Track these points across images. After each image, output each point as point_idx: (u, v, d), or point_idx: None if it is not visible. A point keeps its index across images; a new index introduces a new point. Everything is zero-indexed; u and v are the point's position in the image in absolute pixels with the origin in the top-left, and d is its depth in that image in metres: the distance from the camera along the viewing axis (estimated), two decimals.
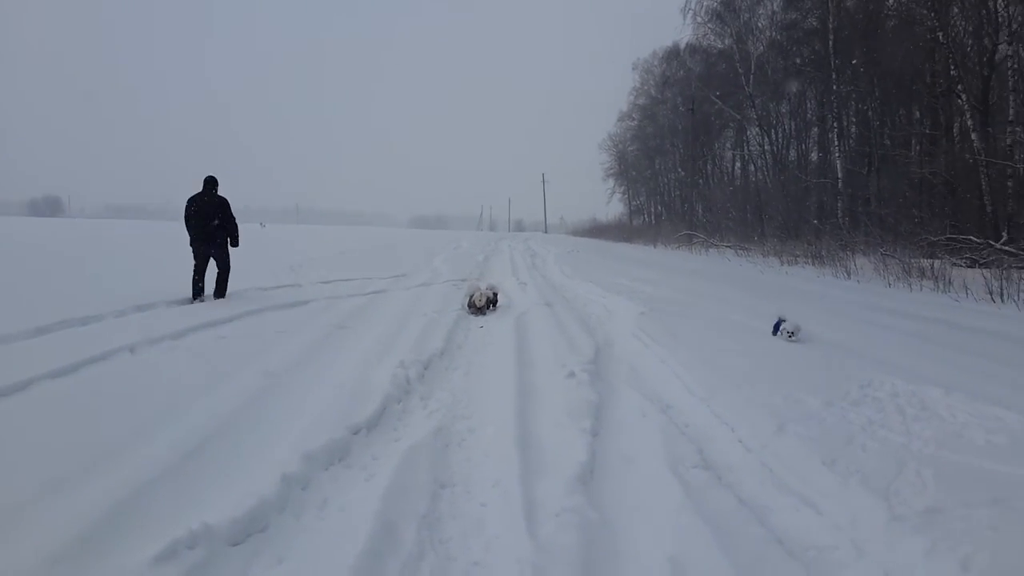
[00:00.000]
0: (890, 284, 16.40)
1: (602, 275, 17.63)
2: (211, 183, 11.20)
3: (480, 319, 10.21)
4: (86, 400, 5.31)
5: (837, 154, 29.88)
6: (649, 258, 29.13)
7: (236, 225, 11.43)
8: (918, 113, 28.19)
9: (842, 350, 7.93)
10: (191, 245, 11.05)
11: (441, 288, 13.84)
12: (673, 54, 49.75)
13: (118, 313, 8.86)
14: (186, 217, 11.05)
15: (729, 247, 32.11)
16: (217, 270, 11.17)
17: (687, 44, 45.08)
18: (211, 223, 11.04)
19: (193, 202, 11.07)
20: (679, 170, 53.69)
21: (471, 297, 10.70)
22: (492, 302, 10.83)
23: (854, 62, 29.05)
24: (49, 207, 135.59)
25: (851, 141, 32.13)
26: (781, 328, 8.65)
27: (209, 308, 9.77)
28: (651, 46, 76.66)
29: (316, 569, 3.25)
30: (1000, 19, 20.33)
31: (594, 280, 16.00)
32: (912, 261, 17.11)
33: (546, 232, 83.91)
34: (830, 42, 28.92)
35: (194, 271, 10.96)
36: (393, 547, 3.43)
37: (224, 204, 11.20)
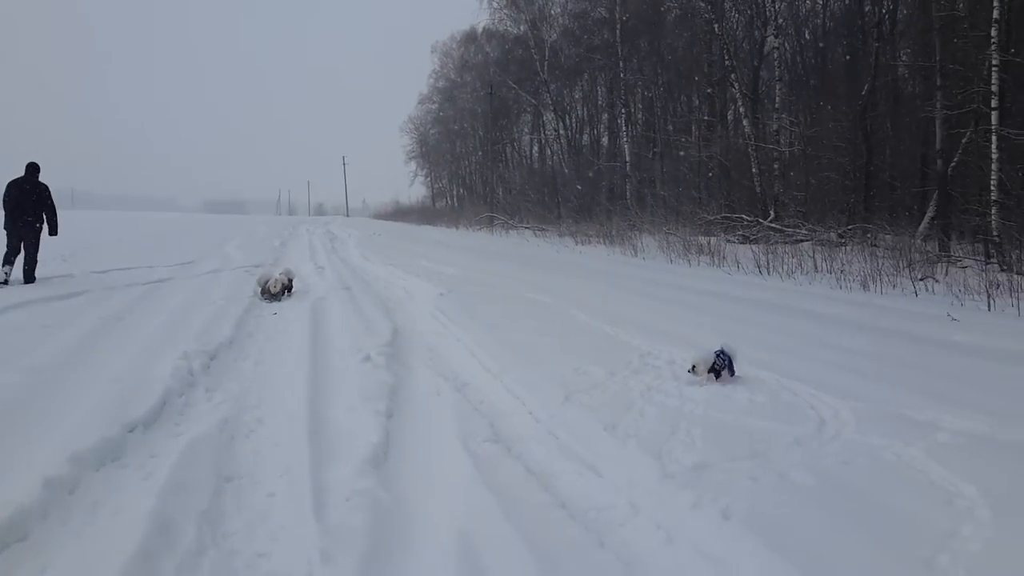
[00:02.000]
0: (672, 260, 17.61)
1: (403, 258, 17.57)
2: (33, 169, 11.21)
3: (274, 305, 9.85)
4: None
5: (625, 139, 31.60)
6: (451, 240, 29.36)
7: (55, 212, 11.41)
8: (697, 100, 30.43)
9: (626, 322, 8.39)
10: (5, 228, 11.04)
11: (232, 275, 13.17)
12: (471, 38, 50.28)
13: None
14: (4, 200, 11.05)
15: (528, 228, 33.07)
16: (25, 254, 10.99)
17: (484, 28, 45.76)
18: (30, 209, 11.06)
19: (14, 186, 11.08)
20: (479, 153, 54.46)
21: (265, 283, 10.30)
22: (287, 287, 10.48)
23: (640, 51, 30.77)
24: None
25: (638, 126, 34.07)
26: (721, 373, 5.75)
27: None
28: (450, 28, 76.94)
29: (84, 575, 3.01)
30: (768, 13, 22.30)
31: (395, 263, 15.93)
32: (692, 239, 18.46)
33: (348, 216, 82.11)
34: (618, 31, 30.38)
35: (6, 256, 10.86)
36: (170, 546, 3.22)
37: (45, 190, 11.27)
